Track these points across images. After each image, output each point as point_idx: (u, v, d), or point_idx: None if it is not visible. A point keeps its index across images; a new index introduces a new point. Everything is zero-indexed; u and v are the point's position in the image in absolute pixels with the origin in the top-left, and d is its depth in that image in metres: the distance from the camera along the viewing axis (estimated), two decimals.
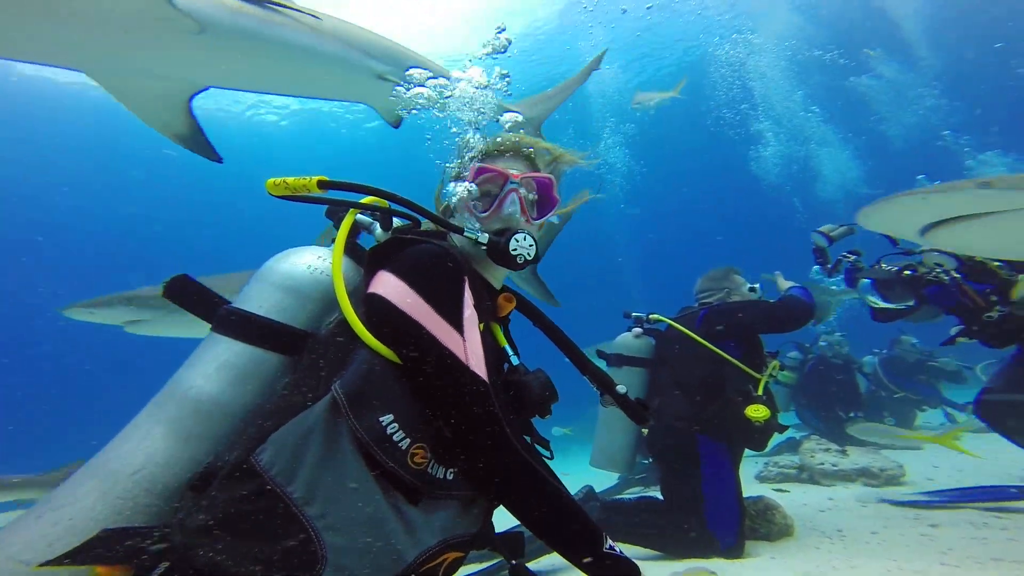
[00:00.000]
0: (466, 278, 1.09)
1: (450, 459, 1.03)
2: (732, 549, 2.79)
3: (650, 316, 3.21)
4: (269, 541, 0.89)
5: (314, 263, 1.17)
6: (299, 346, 1.11)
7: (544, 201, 1.33)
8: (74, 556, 0.87)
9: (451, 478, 1.03)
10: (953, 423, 7.05)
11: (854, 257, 3.89)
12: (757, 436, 2.88)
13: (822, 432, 5.96)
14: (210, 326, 1.14)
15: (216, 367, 1.08)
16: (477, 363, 1.02)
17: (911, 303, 3.65)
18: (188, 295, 1.17)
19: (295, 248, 1.22)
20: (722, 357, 2.93)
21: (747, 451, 3.10)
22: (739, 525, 2.84)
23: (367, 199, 1.20)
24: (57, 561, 0.86)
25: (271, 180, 1.13)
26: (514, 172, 1.26)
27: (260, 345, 1.09)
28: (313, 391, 1.01)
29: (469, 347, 1.02)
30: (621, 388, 1.38)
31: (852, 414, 6.38)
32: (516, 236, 1.19)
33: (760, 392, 2.91)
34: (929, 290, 3.42)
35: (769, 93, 13.87)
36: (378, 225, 1.25)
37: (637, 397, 1.40)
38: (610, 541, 1.10)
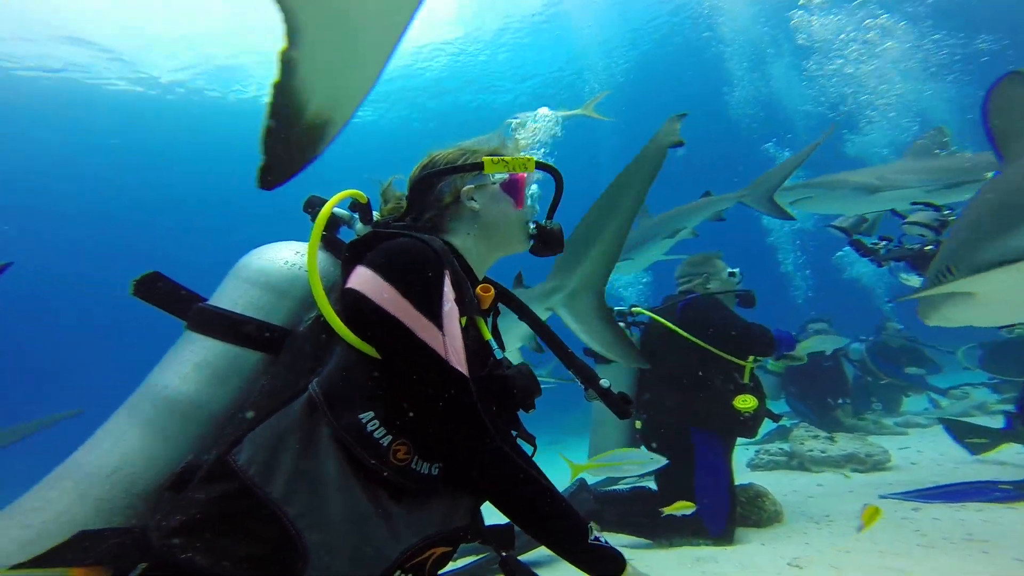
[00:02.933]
0: (447, 272, 1.07)
1: (434, 454, 1.01)
2: (722, 536, 2.82)
3: (632, 308, 3.22)
4: (249, 541, 0.87)
5: (291, 258, 1.15)
6: (277, 344, 1.09)
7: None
8: (49, 558, 0.85)
9: (436, 473, 1.01)
10: (937, 408, 7.17)
11: (887, 243, 3.88)
12: (748, 424, 2.91)
13: (811, 420, 6.04)
14: (184, 324, 1.12)
15: (192, 366, 1.05)
16: (456, 358, 1.01)
17: None
18: (159, 293, 1.15)
19: (272, 243, 1.19)
20: (705, 348, 2.94)
21: (739, 439, 3.13)
22: (729, 512, 2.87)
23: (343, 193, 1.18)
24: (31, 563, 0.84)
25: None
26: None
27: (237, 343, 1.07)
28: (291, 389, 0.99)
29: (448, 341, 1.01)
30: (604, 382, 1.37)
31: (840, 401, 6.47)
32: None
33: (746, 379, 2.93)
34: None
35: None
36: (358, 219, 1.24)
37: (620, 391, 1.39)
38: (596, 532, 1.10)
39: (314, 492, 0.91)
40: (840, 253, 12.08)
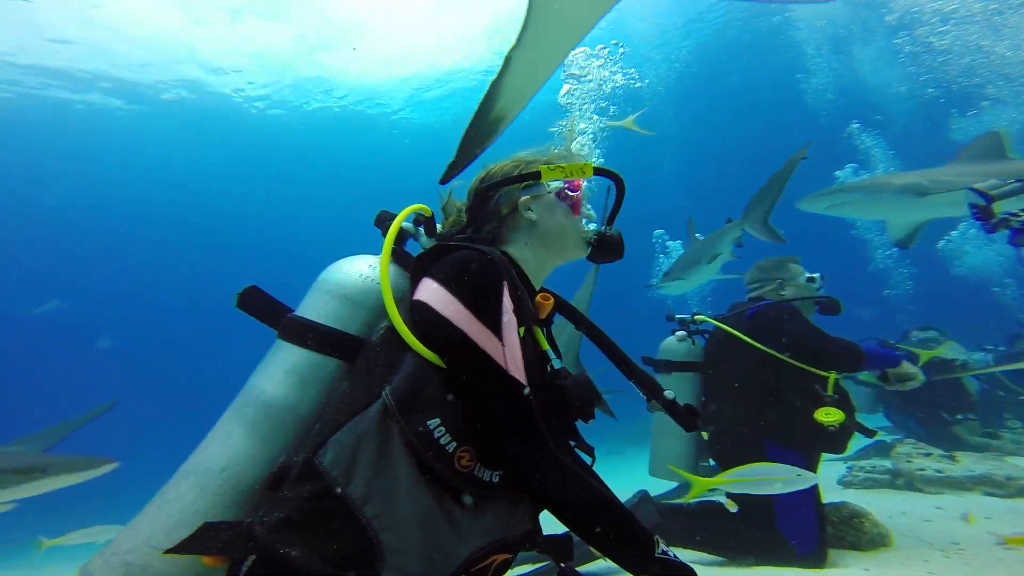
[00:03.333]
0: (505, 283, 1.11)
1: (495, 462, 1.05)
2: (811, 556, 2.63)
3: (695, 317, 3.06)
4: (333, 539, 0.95)
5: (365, 271, 1.23)
6: (355, 351, 1.18)
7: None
8: (185, 546, 0.99)
9: (496, 480, 1.05)
10: None
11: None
12: (833, 439, 2.68)
13: (920, 436, 5.46)
14: (276, 333, 1.24)
15: (283, 372, 1.16)
16: (516, 367, 1.04)
17: None
18: (258, 305, 1.28)
19: (350, 257, 1.29)
20: (779, 358, 2.74)
21: (825, 454, 2.91)
22: (818, 531, 2.67)
23: (409, 208, 1.27)
24: (176, 550, 0.98)
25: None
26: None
27: (319, 351, 1.17)
28: (368, 395, 1.06)
29: (508, 352, 1.04)
30: (669, 393, 1.34)
31: (961, 417, 5.76)
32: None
33: (830, 392, 2.71)
34: None
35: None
36: (423, 232, 1.31)
37: (686, 403, 1.36)
38: (663, 545, 1.08)
39: (388, 494, 0.97)
40: (945, 240, 10.54)
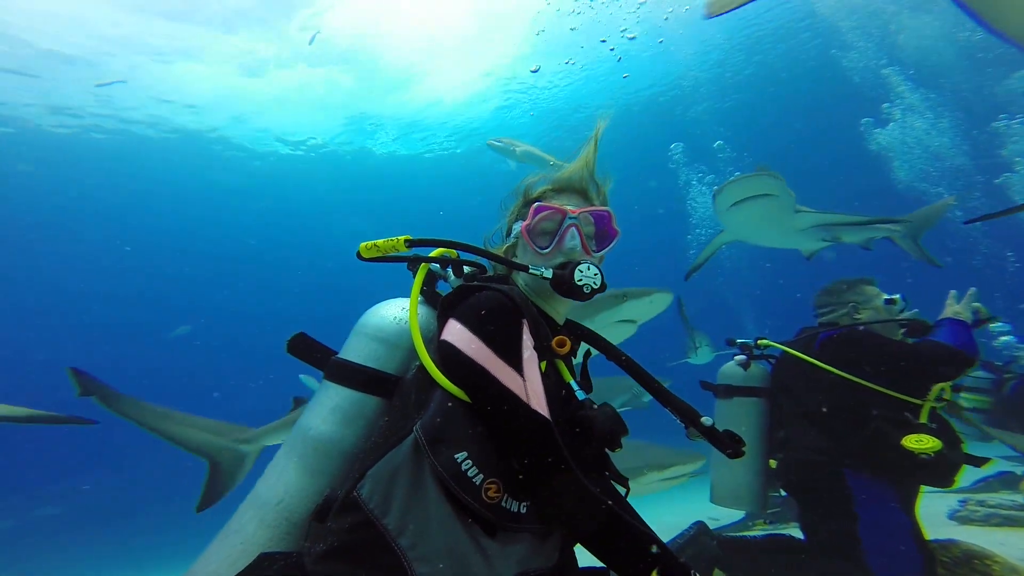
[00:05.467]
0: (525, 321, 1.15)
1: (522, 493, 1.07)
2: None
3: (758, 342, 2.89)
4: (372, 570, 1.00)
5: (398, 314, 1.32)
6: (392, 389, 1.26)
7: (603, 234, 1.37)
8: None
9: (524, 512, 1.07)
10: None
11: None
12: (933, 470, 2.39)
13: None
14: (323, 374, 1.34)
15: (329, 410, 1.26)
16: (538, 401, 1.07)
17: None
18: (305, 349, 1.40)
19: (385, 301, 1.38)
20: (859, 384, 2.49)
21: (928, 488, 2.59)
22: (924, 571, 2.37)
23: (435, 252, 1.34)
24: None
25: (363, 244, 1.31)
26: (571, 208, 1.32)
27: (360, 390, 1.26)
28: (401, 430, 1.12)
29: (529, 386, 1.08)
30: (706, 420, 1.30)
31: None
32: (580, 267, 1.24)
33: (923, 419, 2.44)
34: None
35: None
36: (451, 272, 1.39)
37: (727, 429, 1.31)
38: None
39: (421, 526, 1.02)
40: None
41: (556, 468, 1.03)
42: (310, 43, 13.63)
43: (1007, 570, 2.46)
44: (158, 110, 15.63)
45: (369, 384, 1.26)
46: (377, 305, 1.37)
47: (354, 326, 1.36)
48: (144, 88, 14.55)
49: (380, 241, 1.30)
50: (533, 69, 14.16)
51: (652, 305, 2.68)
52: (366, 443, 1.22)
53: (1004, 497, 4.08)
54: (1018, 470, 4.85)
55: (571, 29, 13.33)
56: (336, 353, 1.37)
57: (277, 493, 1.20)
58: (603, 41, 13.74)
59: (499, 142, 7.76)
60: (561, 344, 1.23)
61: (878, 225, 5.25)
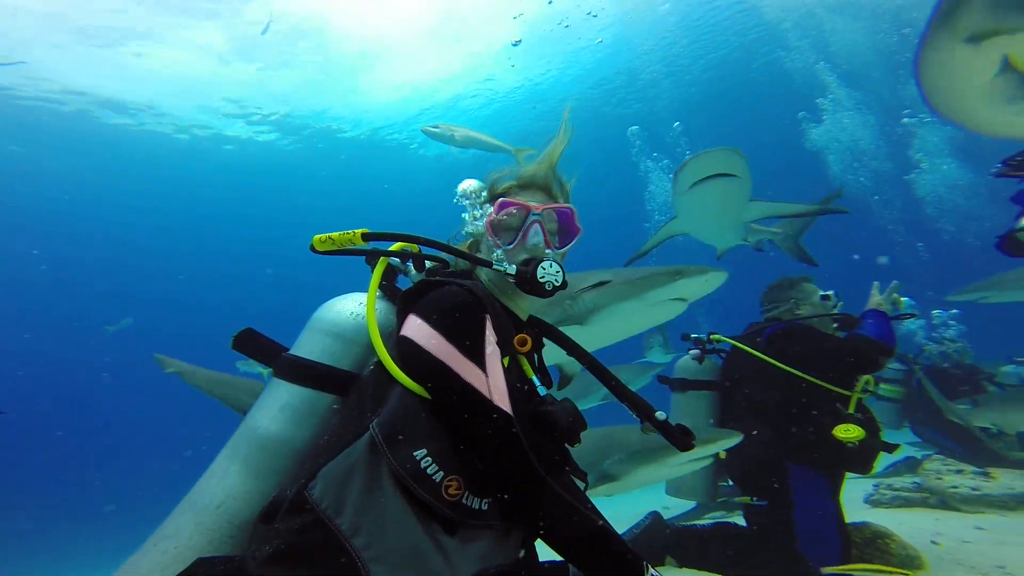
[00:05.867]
0: (488, 316, 1.13)
1: (483, 490, 1.06)
2: None
3: (711, 336, 3.05)
4: (322, 571, 0.96)
5: (355, 309, 1.27)
6: (347, 386, 1.21)
7: (566, 230, 1.36)
8: None
9: (486, 508, 1.06)
10: None
11: None
12: (856, 457, 2.61)
13: (953, 452, 5.26)
14: (271, 371, 1.28)
15: (279, 408, 1.21)
16: (499, 397, 1.06)
17: None
18: (253, 345, 1.33)
19: (340, 296, 1.33)
20: (799, 377, 2.70)
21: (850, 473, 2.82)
22: (842, 553, 2.59)
23: (396, 246, 1.30)
24: None
25: (317, 237, 1.24)
26: (535, 204, 1.31)
27: (313, 387, 1.21)
28: (357, 428, 1.09)
29: (491, 382, 1.07)
30: (660, 414, 1.33)
31: (996, 432, 5.53)
32: (543, 264, 1.23)
33: (851, 410, 2.65)
34: None
35: None
36: (412, 267, 1.35)
37: (679, 423, 1.35)
38: (653, 570, 1.07)
39: (377, 525, 0.99)
40: None
41: (518, 463, 1.03)
42: (263, 33, 12.84)
43: (899, 547, 2.78)
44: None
45: (322, 381, 1.21)
46: (332, 300, 1.32)
47: (308, 322, 1.31)
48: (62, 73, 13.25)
49: (335, 234, 1.24)
50: (515, 41, 13.72)
51: (707, 283, 2.58)
52: (316, 441, 1.17)
53: (907, 480, 4.50)
54: (918, 455, 5.35)
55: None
56: (287, 349, 1.31)
57: (217, 496, 1.14)
58: (567, 26, 13.80)
59: (435, 128, 7.49)
60: (523, 343, 1.23)
61: (771, 229, 5.28)
